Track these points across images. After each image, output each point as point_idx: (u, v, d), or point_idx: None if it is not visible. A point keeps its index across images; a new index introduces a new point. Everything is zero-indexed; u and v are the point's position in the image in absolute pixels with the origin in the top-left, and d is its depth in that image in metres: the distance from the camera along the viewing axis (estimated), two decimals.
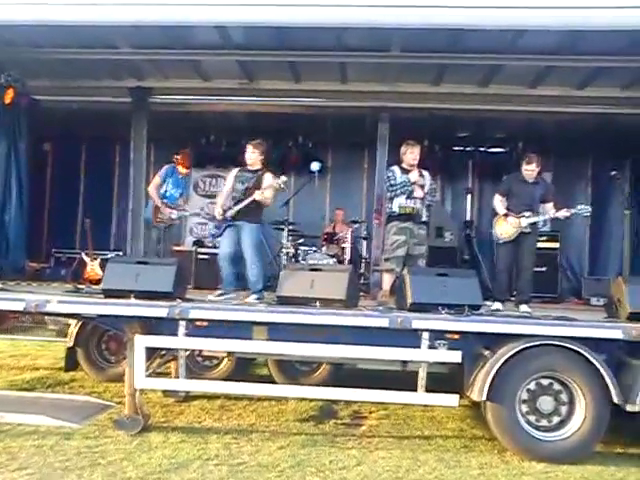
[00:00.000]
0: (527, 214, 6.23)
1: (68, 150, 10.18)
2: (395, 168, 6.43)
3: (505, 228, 6.25)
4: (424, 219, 6.43)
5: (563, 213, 6.32)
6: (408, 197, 6.27)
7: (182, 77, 7.84)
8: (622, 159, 9.33)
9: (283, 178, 6.41)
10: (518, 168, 6.61)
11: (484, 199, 10.20)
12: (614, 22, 5.63)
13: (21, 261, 7.51)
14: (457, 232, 9.16)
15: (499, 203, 6.46)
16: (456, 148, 9.87)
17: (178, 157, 7.41)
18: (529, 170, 6.36)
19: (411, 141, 6.46)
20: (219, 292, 6.24)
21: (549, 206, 6.42)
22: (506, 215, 6.27)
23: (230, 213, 6.27)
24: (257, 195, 6.24)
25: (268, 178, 6.34)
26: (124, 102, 8.08)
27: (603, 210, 9.61)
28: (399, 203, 6.28)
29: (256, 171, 6.40)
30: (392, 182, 6.31)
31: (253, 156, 6.41)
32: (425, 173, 6.47)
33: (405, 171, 6.34)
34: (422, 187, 6.34)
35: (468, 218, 10.01)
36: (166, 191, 7.21)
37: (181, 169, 7.35)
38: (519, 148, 9.45)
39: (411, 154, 6.36)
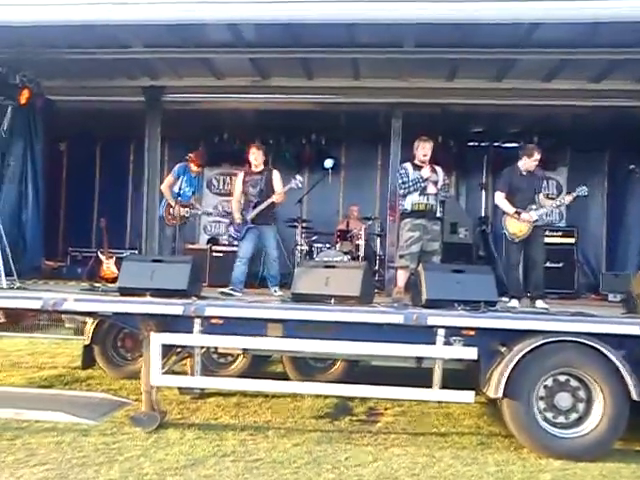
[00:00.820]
0: (534, 207, 6.18)
1: (83, 150, 10.26)
2: (407, 165, 6.42)
3: (519, 226, 6.15)
4: (438, 215, 6.42)
5: (568, 198, 6.28)
6: (421, 194, 6.26)
7: (195, 75, 7.85)
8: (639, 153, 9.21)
9: (299, 177, 6.66)
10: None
11: None
12: (630, 14, 5.55)
13: (38, 260, 7.59)
14: (472, 228, 9.08)
15: (505, 201, 6.28)
16: (471, 143, 9.82)
17: (191, 155, 7.44)
18: (535, 161, 6.28)
19: (424, 137, 6.45)
20: (230, 287, 6.36)
21: (542, 196, 6.45)
22: (518, 213, 6.16)
23: (251, 216, 6.54)
24: (276, 197, 6.57)
25: (277, 176, 6.68)
26: (138, 101, 8.12)
27: (620, 205, 9.50)
28: (412, 200, 6.28)
29: (262, 172, 6.72)
30: (404, 179, 6.32)
31: (259, 157, 6.71)
32: (438, 169, 6.44)
33: (417, 167, 6.34)
34: (435, 183, 6.31)
35: (483, 214, 9.95)
36: (180, 189, 7.24)
37: (193, 167, 7.39)
38: (534, 143, 9.35)
39: (422, 149, 6.35)
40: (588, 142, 9.17)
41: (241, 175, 6.85)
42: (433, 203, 6.33)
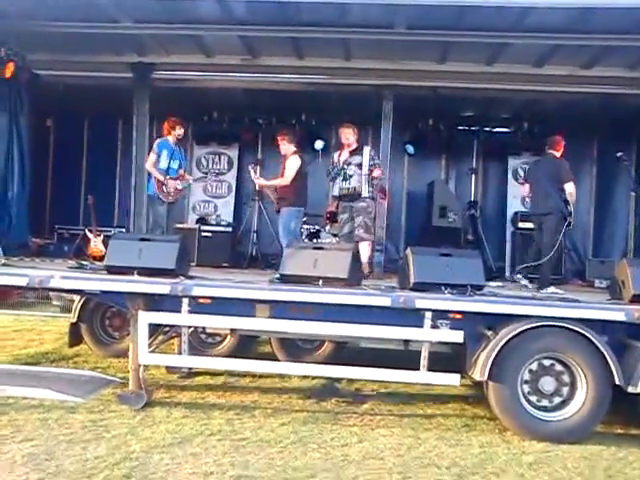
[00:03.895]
0: None
1: (71, 126, 10.11)
2: (336, 154, 6.78)
3: None
4: (365, 195, 6.64)
5: None
6: (344, 179, 6.56)
7: (184, 53, 7.74)
8: (628, 140, 9.26)
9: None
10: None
11: (489, 179, 10.16)
12: (622, 0, 5.56)
13: (24, 237, 7.51)
14: (461, 212, 9.12)
15: None
16: (461, 127, 9.79)
17: (164, 125, 7.33)
18: None
19: (345, 123, 6.77)
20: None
21: None
22: None
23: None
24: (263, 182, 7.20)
25: (290, 161, 6.85)
26: (126, 77, 8.01)
27: (608, 192, 9.57)
28: (338, 186, 6.64)
29: (285, 156, 6.99)
30: (329, 167, 6.72)
31: (283, 148, 7.03)
32: (365, 150, 6.68)
33: (340, 155, 6.67)
34: (359, 166, 6.53)
35: (472, 198, 9.98)
36: (168, 165, 7.13)
37: (171, 138, 7.20)
38: (524, 128, 9.39)
39: (342, 135, 6.70)
40: (578, 128, 9.17)
41: None
42: (357, 185, 6.59)
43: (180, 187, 7.26)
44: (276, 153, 7.48)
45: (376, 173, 6.67)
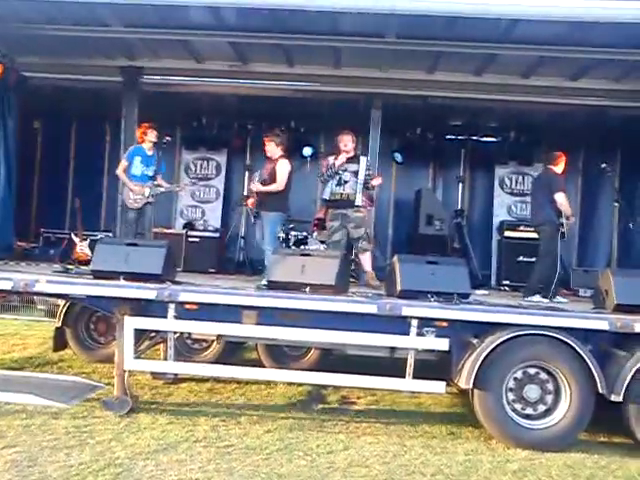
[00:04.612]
0: None
1: (58, 129, 10.06)
2: (330, 157, 6.70)
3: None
4: (359, 203, 6.58)
5: None
6: (338, 184, 6.51)
7: (174, 57, 7.75)
8: (613, 152, 9.37)
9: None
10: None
11: (476, 188, 10.23)
12: (610, 14, 5.64)
13: (9, 240, 7.45)
14: (448, 220, 9.17)
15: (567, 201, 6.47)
16: (449, 136, 9.86)
17: (137, 132, 7.29)
18: None
19: (345, 130, 6.72)
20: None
21: None
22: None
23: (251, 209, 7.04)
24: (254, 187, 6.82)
25: (280, 165, 6.66)
26: (115, 81, 7.99)
27: (592, 202, 9.68)
28: (330, 190, 6.55)
29: (273, 160, 6.78)
30: (323, 168, 6.65)
31: (270, 149, 6.83)
32: (362, 159, 6.67)
33: (336, 158, 6.63)
34: (355, 173, 6.53)
35: (459, 207, 10.04)
36: (143, 173, 7.06)
37: (145, 145, 7.13)
38: (511, 138, 9.49)
39: (341, 141, 6.64)
40: (564, 139, 9.25)
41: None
42: (350, 192, 6.53)
43: (148, 194, 7.06)
44: (265, 158, 7.48)
45: (376, 182, 6.68)
